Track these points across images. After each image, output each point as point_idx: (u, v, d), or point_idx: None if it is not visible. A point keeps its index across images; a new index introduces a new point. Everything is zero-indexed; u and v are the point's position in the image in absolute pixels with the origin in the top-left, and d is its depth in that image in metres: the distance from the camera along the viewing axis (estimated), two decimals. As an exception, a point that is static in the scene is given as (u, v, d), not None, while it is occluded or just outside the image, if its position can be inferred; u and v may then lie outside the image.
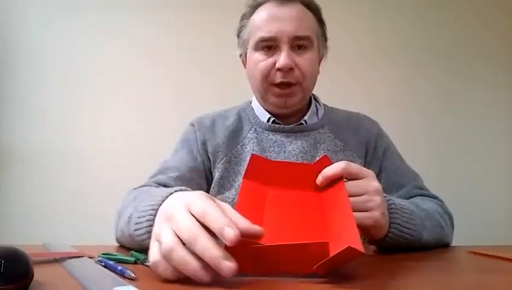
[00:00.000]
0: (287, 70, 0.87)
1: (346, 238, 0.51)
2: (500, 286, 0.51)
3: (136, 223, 0.62)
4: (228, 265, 0.44)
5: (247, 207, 0.58)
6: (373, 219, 0.64)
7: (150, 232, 0.54)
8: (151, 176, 0.91)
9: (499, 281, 0.53)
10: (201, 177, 0.93)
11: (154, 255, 0.47)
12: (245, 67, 0.98)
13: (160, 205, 0.55)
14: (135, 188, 0.84)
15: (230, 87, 1.40)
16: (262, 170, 0.64)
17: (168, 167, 0.91)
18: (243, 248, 0.46)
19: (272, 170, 0.65)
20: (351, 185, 0.63)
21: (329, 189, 0.63)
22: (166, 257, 0.46)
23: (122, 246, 0.77)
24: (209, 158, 0.94)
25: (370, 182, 0.65)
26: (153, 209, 0.58)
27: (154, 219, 0.55)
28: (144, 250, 0.64)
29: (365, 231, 0.66)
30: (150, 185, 0.85)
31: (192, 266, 0.45)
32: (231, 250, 0.45)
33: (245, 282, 0.51)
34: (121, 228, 0.72)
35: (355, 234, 0.49)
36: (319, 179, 0.63)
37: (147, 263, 0.58)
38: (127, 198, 0.79)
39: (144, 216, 0.61)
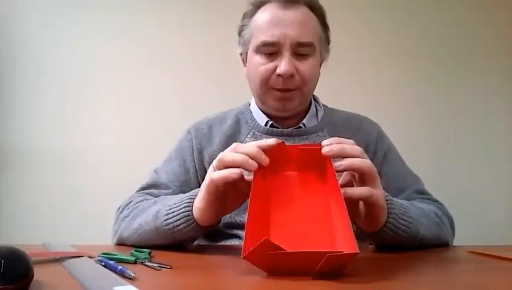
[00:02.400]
0: (288, 76, 0.86)
1: (342, 239, 0.54)
2: (500, 286, 0.51)
3: (168, 214, 0.70)
4: (266, 158, 0.61)
5: (259, 194, 0.61)
6: (370, 190, 0.61)
7: (186, 216, 0.68)
8: (143, 187, 0.91)
9: (499, 281, 0.53)
10: (192, 189, 0.93)
11: (209, 173, 0.64)
12: (245, 66, 0.97)
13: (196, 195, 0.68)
14: (130, 203, 0.85)
15: (231, 87, 1.39)
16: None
17: (160, 182, 0.90)
18: (264, 251, 0.49)
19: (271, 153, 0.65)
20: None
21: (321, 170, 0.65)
22: (220, 161, 0.62)
23: (124, 245, 0.77)
24: (204, 168, 0.93)
25: None
26: (190, 199, 0.69)
27: (191, 206, 0.68)
28: (144, 249, 0.64)
29: (368, 213, 0.65)
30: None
31: (241, 157, 0.61)
32: (256, 255, 0.49)
33: (250, 282, 0.51)
34: (138, 224, 0.76)
35: (350, 234, 0.51)
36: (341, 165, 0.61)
37: (147, 263, 0.59)
38: (138, 207, 0.81)
39: (178, 206, 0.70)
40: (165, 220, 0.70)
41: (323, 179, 0.65)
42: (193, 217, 0.68)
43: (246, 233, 0.53)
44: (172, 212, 0.70)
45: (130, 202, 0.84)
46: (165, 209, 0.72)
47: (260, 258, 0.50)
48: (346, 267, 0.52)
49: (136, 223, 0.76)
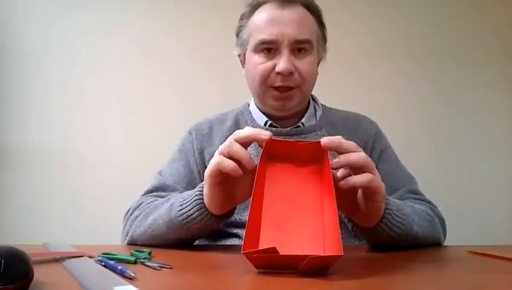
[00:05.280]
0: (287, 74, 0.86)
1: (330, 239, 0.55)
2: (500, 286, 0.51)
3: (181, 205, 0.72)
4: (265, 132, 0.62)
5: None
6: (371, 177, 0.61)
7: (199, 204, 0.70)
8: (149, 190, 0.91)
9: (499, 281, 0.53)
10: None
11: (215, 159, 0.64)
12: (243, 67, 0.97)
13: None
14: (140, 204, 0.84)
15: (231, 87, 1.39)
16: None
17: (166, 185, 0.91)
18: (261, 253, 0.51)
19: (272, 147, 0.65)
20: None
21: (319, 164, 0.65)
22: (227, 148, 0.63)
23: (136, 245, 0.77)
24: (206, 167, 0.93)
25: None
26: (201, 187, 0.70)
27: (203, 195, 0.69)
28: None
29: (368, 204, 0.65)
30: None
31: (244, 153, 0.62)
32: (256, 255, 0.51)
33: (250, 282, 0.51)
34: (151, 220, 0.77)
35: (337, 234, 0.53)
36: (339, 161, 0.61)
37: (147, 263, 0.59)
38: (150, 206, 0.81)
39: (191, 196, 0.72)
40: (179, 211, 0.72)
41: (321, 175, 0.65)
42: (205, 206, 0.69)
43: (247, 228, 0.54)
44: (186, 202, 0.72)
45: (141, 204, 0.85)
46: (178, 201, 0.73)
47: (256, 257, 0.52)
48: (330, 267, 0.53)
49: (150, 219, 0.77)
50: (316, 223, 0.59)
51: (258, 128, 0.64)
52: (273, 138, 0.63)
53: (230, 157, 0.63)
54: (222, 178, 0.65)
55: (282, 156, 0.65)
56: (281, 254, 0.51)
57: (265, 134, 0.62)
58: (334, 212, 0.55)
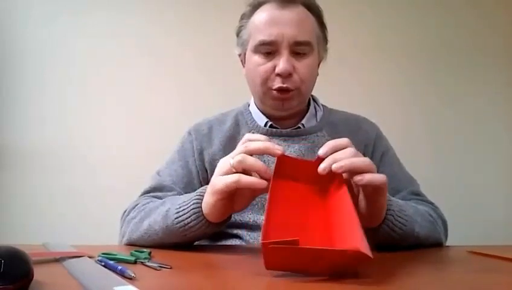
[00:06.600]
0: (286, 75, 0.86)
1: (354, 241, 0.51)
2: (500, 286, 0.51)
3: (178, 212, 0.71)
4: (280, 147, 0.63)
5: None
6: (382, 177, 0.61)
7: (196, 213, 0.69)
8: (146, 190, 0.90)
9: (499, 281, 0.53)
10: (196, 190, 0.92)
11: (231, 177, 0.62)
12: (244, 66, 0.97)
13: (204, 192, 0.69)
14: (136, 205, 0.84)
15: (231, 87, 1.39)
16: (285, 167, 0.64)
17: (164, 185, 0.90)
18: (278, 249, 0.48)
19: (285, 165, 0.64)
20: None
21: (331, 183, 0.64)
22: (240, 164, 0.62)
23: (132, 245, 0.77)
24: (205, 168, 0.93)
25: None
26: (199, 195, 0.70)
27: (201, 203, 0.68)
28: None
29: (373, 206, 0.65)
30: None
31: (260, 164, 0.62)
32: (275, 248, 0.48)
33: (250, 282, 0.51)
34: (147, 225, 0.76)
35: (362, 237, 0.50)
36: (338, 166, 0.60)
37: (147, 263, 0.59)
38: (145, 208, 0.81)
39: (187, 204, 0.70)
40: (175, 219, 0.71)
41: (331, 188, 0.64)
42: (203, 214, 0.69)
43: (266, 219, 0.53)
44: (183, 210, 0.71)
45: (137, 205, 0.84)
46: (174, 208, 0.72)
47: (274, 249, 0.48)
48: (350, 269, 0.52)
49: (145, 224, 0.76)
50: (335, 231, 0.58)
51: (270, 142, 0.64)
52: (286, 154, 0.63)
53: (245, 171, 0.62)
54: (231, 193, 0.65)
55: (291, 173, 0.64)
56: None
57: (278, 149, 0.63)
58: (355, 217, 0.53)
